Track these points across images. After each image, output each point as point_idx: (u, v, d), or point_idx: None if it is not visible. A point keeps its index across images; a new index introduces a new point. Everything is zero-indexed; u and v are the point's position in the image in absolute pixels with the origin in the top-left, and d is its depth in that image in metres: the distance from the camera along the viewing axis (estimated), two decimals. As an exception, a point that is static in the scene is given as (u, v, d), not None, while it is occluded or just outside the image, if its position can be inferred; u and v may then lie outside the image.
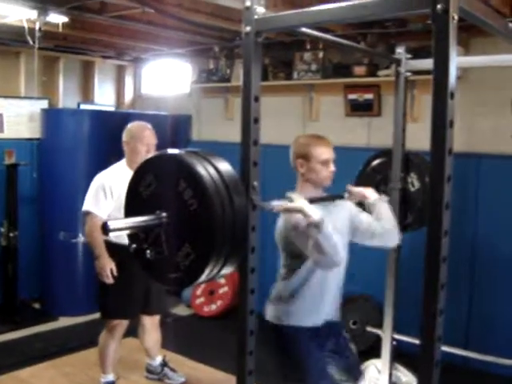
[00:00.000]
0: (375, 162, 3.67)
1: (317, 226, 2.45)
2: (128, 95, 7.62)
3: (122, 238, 3.80)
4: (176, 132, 6.52)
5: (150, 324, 4.15)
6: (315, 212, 2.46)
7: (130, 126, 3.96)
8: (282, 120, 5.79)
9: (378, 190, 3.20)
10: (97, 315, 5.64)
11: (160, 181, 1.92)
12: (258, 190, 2.00)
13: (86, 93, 7.21)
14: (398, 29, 4.87)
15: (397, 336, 3.50)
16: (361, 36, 5.10)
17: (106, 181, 3.81)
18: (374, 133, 5.43)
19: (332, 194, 2.96)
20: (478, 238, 4.73)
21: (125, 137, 3.92)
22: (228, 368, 4.37)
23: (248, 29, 1.97)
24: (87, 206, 3.83)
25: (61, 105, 6.79)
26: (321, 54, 5.59)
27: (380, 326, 3.66)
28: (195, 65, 6.88)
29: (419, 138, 3.97)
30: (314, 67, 5.58)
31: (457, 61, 1.65)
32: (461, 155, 2.91)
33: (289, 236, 2.75)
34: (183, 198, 1.82)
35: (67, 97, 6.93)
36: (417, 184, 3.40)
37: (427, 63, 3.43)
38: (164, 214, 1.88)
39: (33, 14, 4.46)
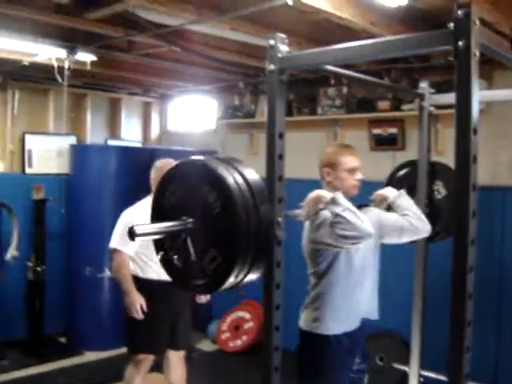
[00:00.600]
0: (400, 173, 3.67)
1: (334, 200, 2.59)
2: (154, 131, 7.72)
3: (149, 273, 3.85)
4: (201, 167, 6.59)
5: (176, 359, 4.13)
6: (329, 193, 2.64)
7: (157, 162, 4.01)
8: (306, 155, 5.79)
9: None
10: (122, 350, 5.67)
11: (184, 187, 1.94)
12: (283, 226, 2.01)
13: (113, 129, 7.32)
14: (422, 64, 4.89)
15: (424, 372, 3.45)
16: (384, 71, 5.13)
17: (133, 217, 3.83)
18: (398, 167, 5.42)
19: (359, 204, 2.93)
20: (504, 273, 4.67)
21: (153, 174, 3.96)
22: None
23: (272, 67, 2.01)
24: (114, 243, 3.87)
25: (88, 141, 6.90)
26: (345, 89, 5.62)
27: (406, 362, 3.62)
28: (221, 101, 6.96)
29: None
30: (338, 102, 5.61)
31: (479, 95, 1.67)
32: (485, 188, 2.91)
33: (317, 238, 2.77)
34: (208, 202, 1.84)
35: (95, 133, 7.04)
36: (443, 191, 3.39)
37: (450, 97, 3.44)
38: (190, 220, 1.90)
39: (62, 52, 4.56)
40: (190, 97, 7.34)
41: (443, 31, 1.69)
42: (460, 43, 1.63)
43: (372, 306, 3.02)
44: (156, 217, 2.04)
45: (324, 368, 2.85)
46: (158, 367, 4.27)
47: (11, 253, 5.48)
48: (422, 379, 3.46)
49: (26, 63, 5.06)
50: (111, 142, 7.04)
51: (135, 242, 3.76)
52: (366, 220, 2.61)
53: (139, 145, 7.43)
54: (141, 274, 3.88)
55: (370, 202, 3.06)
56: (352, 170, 2.93)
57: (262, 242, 1.84)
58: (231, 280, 1.83)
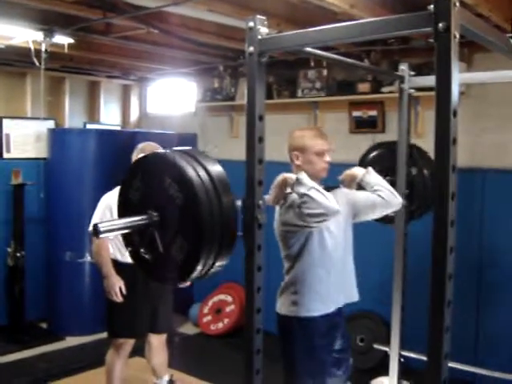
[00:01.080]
0: (372, 155, 3.72)
1: (299, 181, 2.69)
2: (134, 114, 7.67)
3: (128, 256, 3.83)
4: (181, 150, 6.55)
5: (157, 343, 4.14)
6: (293, 175, 2.75)
7: (140, 145, 3.96)
8: (286, 137, 5.81)
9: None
10: (103, 335, 5.66)
11: (148, 181, 1.98)
12: (264, 208, 2.01)
13: (92, 113, 7.26)
14: (401, 46, 4.89)
15: (404, 353, 3.49)
16: (364, 53, 5.13)
17: (112, 201, 3.81)
18: (378, 149, 5.44)
19: (328, 185, 2.99)
20: (483, 254, 4.72)
21: (135, 156, 3.90)
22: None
23: (251, 49, 1.99)
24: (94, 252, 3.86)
25: (67, 125, 6.84)
26: (325, 72, 5.62)
27: (387, 342, 3.65)
28: (200, 84, 6.93)
29: (424, 153, 3.99)
30: (318, 85, 5.61)
31: (459, 77, 1.67)
32: (465, 170, 2.92)
33: (287, 219, 2.86)
34: (171, 194, 1.86)
35: (73, 117, 6.98)
36: (414, 171, 3.50)
37: (430, 80, 3.43)
38: (155, 213, 1.92)
39: (39, 35, 4.50)
40: (170, 80, 7.29)
41: (423, 13, 1.69)
42: (440, 25, 1.62)
43: (350, 287, 3.09)
44: (123, 211, 2.06)
45: (305, 350, 2.89)
46: (139, 351, 4.27)
47: (-10, 238, 5.44)
48: (402, 359, 3.49)
49: (2, 46, 4.99)
50: (90, 126, 6.98)
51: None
52: (331, 197, 2.70)
53: (118, 128, 7.37)
54: (120, 258, 3.87)
55: (339, 184, 3.13)
56: (321, 153, 2.98)
57: (227, 229, 1.87)
58: (199, 268, 1.86)
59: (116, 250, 3.88)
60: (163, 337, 4.17)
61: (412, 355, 3.49)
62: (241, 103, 6.16)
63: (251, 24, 2.00)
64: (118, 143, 5.77)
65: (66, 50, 4.98)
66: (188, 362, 4.86)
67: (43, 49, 4.79)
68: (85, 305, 5.86)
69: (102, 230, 1.85)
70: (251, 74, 1.99)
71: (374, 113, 5.37)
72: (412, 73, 3.46)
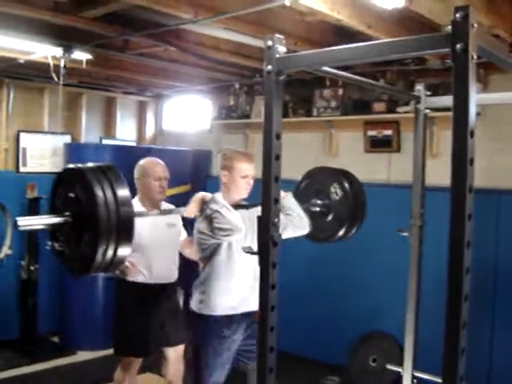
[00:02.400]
0: (305, 181, 3.82)
1: (213, 200, 3.22)
2: (149, 131, 7.72)
3: (137, 276, 3.82)
4: (196, 167, 6.55)
5: (174, 356, 4.03)
6: (208, 194, 3.27)
7: (141, 162, 3.95)
8: (301, 156, 5.82)
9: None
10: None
11: (67, 188, 2.31)
12: (279, 227, 2.01)
13: (108, 128, 7.31)
14: (417, 66, 4.90)
15: (418, 374, 3.45)
16: (380, 73, 5.15)
17: None
18: (393, 169, 5.44)
19: (251, 203, 3.42)
20: (498, 274, 4.68)
21: (136, 173, 3.90)
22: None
23: (269, 68, 2.00)
24: None
25: (83, 140, 6.89)
26: (340, 91, 5.63)
27: (400, 364, 3.61)
28: (215, 101, 6.96)
29: (439, 173, 3.98)
30: (333, 104, 5.63)
31: (476, 98, 1.67)
32: (481, 191, 2.91)
33: (201, 228, 3.29)
34: (81, 201, 2.23)
35: (89, 132, 7.03)
36: (339, 193, 3.55)
37: (446, 100, 3.45)
38: (68, 214, 2.26)
39: (58, 51, 4.55)
40: (185, 97, 7.34)
41: (441, 34, 1.69)
42: (458, 46, 1.62)
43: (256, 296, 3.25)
44: (51, 210, 2.38)
45: (207, 341, 3.33)
46: (150, 367, 4.25)
47: (4, 251, 5.47)
48: (415, 380, 3.45)
49: (21, 61, 5.05)
50: (106, 142, 7.03)
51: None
52: (237, 216, 3.20)
53: (134, 144, 7.41)
54: (129, 278, 3.84)
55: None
56: (245, 177, 3.38)
57: (122, 234, 2.22)
58: (99, 260, 2.19)
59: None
60: (180, 349, 4.08)
61: (425, 377, 3.44)
62: (256, 121, 6.18)
63: (269, 43, 2.01)
64: (133, 159, 5.74)
65: (84, 66, 5.03)
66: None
67: (62, 64, 4.84)
68: (96, 320, 5.86)
69: (21, 224, 2.20)
70: (269, 92, 2.00)
71: (389, 132, 5.37)
72: (428, 93, 3.45)
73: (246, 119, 6.38)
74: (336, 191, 3.52)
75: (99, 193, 2.18)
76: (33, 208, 5.74)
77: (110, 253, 2.20)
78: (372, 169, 5.57)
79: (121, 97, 7.34)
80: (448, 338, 1.69)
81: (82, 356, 5.73)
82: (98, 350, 5.77)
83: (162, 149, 6.52)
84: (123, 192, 2.25)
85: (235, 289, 3.36)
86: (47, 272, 5.91)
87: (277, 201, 2.00)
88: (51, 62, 4.82)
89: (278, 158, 2.00)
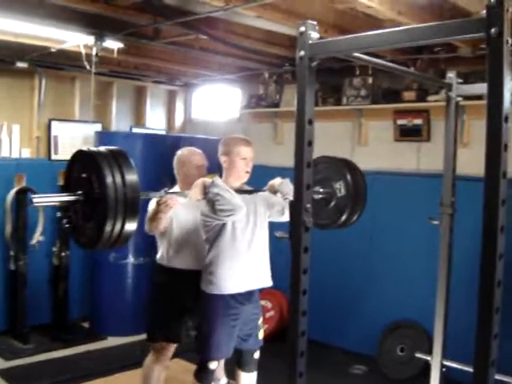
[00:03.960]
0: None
1: (214, 184, 3.31)
2: (178, 119, 7.77)
3: (175, 261, 3.86)
4: (225, 156, 6.59)
5: None
6: (208, 179, 3.38)
7: (179, 152, 3.98)
8: (331, 145, 5.80)
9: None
10: (143, 336, 5.75)
11: (81, 169, 2.41)
12: (311, 212, 2.02)
13: (138, 117, 7.37)
14: (448, 54, 4.86)
15: (447, 362, 3.44)
16: (410, 61, 5.11)
17: None
18: (423, 158, 5.41)
19: (253, 189, 3.64)
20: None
21: (175, 164, 3.94)
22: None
23: (302, 53, 2.01)
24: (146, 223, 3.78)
25: (113, 128, 6.96)
26: (370, 80, 5.61)
27: (428, 352, 3.61)
28: (245, 90, 6.98)
29: (469, 163, 3.96)
30: (363, 92, 5.61)
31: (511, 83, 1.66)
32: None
33: (205, 212, 3.42)
34: (92, 183, 2.32)
35: (120, 120, 7.10)
36: (343, 191, 3.52)
37: (478, 88, 3.43)
38: (80, 193, 2.36)
39: (90, 40, 4.61)
40: (215, 86, 7.36)
41: (475, 19, 1.69)
42: (492, 30, 1.62)
43: (259, 274, 3.64)
44: (65, 188, 2.48)
45: (215, 319, 3.52)
46: (180, 353, 4.26)
47: (36, 238, 5.56)
48: (444, 369, 3.44)
49: (53, 50, 5.11)
50: (136, 130, 7.09)
51: (171, 226, 3.78)
52: (238, 197, 3.33)
53: (164, 133, 7.46)
54: (166, 263, 3.88)
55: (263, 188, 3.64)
56: (244, 158, 3.54)
57: (128, 213, 2.31)
58: (107, 234, 2.30)
59: (164, 254, 3.89)
60: None
61: (454, 365, 3.44)
62: (285, 110, 6.19)
63: (302, 29, 2.02)
64: (162, 147, 5.85)
65: (115, 55, 5.08)
66: (227, 369, 4.87)
67: (94, 53, 4.89)
68: (127, 306, 5.93)
69: (35, 201, 2.34)
70: (301, 77, 2.01)
71: (419, 121, 5.34)
72: (460, 80, 3.42)
73: (275, 108, 6.38)
74: (339, 184, 3.54)
75: (108, 174, 2.28)
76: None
77: (116, 229, 2.32)
78: (401, 158, 5.55)
79: (151, 86, 7.39)
80: (480, 323, 1.70)
81: (112, 341, 5.81)
82: (127, 336, 5.85)
83: (192, 137, 6.55)
84: (131, 174, 2.35)
85: (240, 268, 3.54)
86: (78, 258, 6.00)
87: (309, 186, 2.01)
88: (83, 51, 4.87)
89: (310, 143, 2.01)
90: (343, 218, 3.54)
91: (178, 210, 3.69)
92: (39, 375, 4.86)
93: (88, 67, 5.07)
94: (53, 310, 5.95)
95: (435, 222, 3.38)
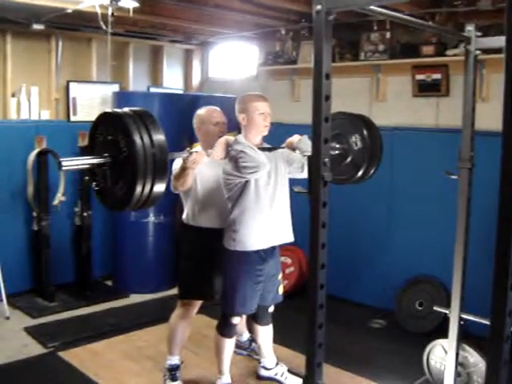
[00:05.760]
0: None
1: (237, 141, 3.43)
2: (196, 78, 7.74)
3: (201, 220, 3.90)
4: (243, 114, 6.58)
5: None
6: (231, 137, 3.46)
7: (198, 111, 3.99)
8: (348, 101, 5.77)
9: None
10: (166, 293, 5.88)
11: (107, 131, 2.41)
12: (329, 166, 2.04)
13: (155, 77, 7.37)
14: (467, 8, 4.79)
15: (465, 316, 3.48)
16: (429, 15, 5.04)
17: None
18: (442, 113, 5.37)
19: (272, 146, 3.68)
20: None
21: (196, 123, 3.94)
22: (294, 345, 4.45)
23: (319, 7, 2.00)
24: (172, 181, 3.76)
25: (131, 88, 6.96)
26: (388, 35, 5.54)
27: (446, 307, 3.65)
28: (262, 47, 6.93)
29: (488, 118, 3.94)
30: (381, 48, 5.55)
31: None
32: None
33: (227, 169, 3.47)
34: (120, 145, 2.33)
35: (137, 81, 7.10)
36: (359, 144, 3.54)
37: (497, 40, 3.38)
38: (107, 155, 2.38)
39: (105, -1, 4.60)
40: (231, 44, 7.32)
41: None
42: (511, -20, 1.60)
43: (282, 230, 3.72)
44: (90, 150, 2.51)
45: (239, 275, 3.62)
46: (203, 308, 4.32)
47: (58, 198, 5.63)
48: (462, 322, 3.49)
49: (69, 11, 5.10)
50: (153, 90, 7.09)
51: (195, 185, 3.81)
52: (261, 154, 3.38)
53: (181, 92, 7.46)
54: (192, 222, 3.93)
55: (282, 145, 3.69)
56: (262, 113, 3.56)
57: (158, 173, 2.33)
58: (137, 194, 2.31)
59: (190, 213, 3.93)
60: None
61: (472, 318, 3.48)
62: (303, 66, 6.15)
63: (318, -18, 2.00)
64: (180, 106, 5.87)
65: (130, 14, 5.06)
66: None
67: (109, 13, 4.88)
68: (148, 264, 6.04)
69: (64, 165, 2.38)
70: (318, 32, 2.01)
71: (437, 76, 5.28)
72: (479, 34, 3.38)
73: (292, 65, 6.34)
74: (355, 137, 3.55)
75: (136, 135, 2.27)
76: (84, 156, 5.86)
77: (146, 190, 2.33)
78: (420, 113, 5.52)
79: (167, 45, 7.36)
80: (497, 274, 1.72)
81: (135, 299, 5.92)
82: (149, 293, 5.98)
83: (209, 96, 6.54)
84: (158, 134, 2.35)
85: (264, 224, 3.60)
86: (100, 218, 6.09)
87: (327, 141, 2.03)
88: (99, 11, 4.86)
89: (327, 98, 2.02)
90: (360, 172, 3.56)
91: (202, 169, 3.71)
92: (64, 332, 4.98)
93: (104, 27, 5.05)
94: (76, 269, 6.09)
95: (454, 177, 3.39)
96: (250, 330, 4.24)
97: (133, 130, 2.27)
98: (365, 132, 3.54)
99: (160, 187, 2.38)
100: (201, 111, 3.98)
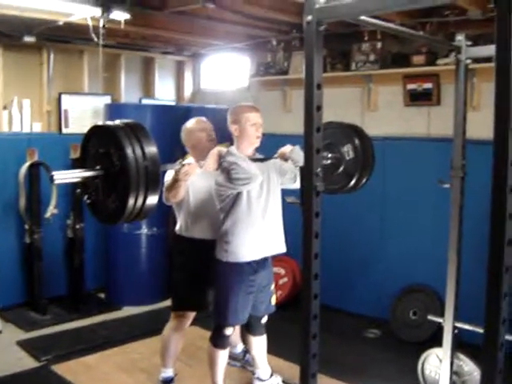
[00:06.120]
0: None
1: (229, 153, 3.39)
2: (187, 90, 7.75)
3: (194, 231, 3.90)
4: (235, 125, 6.58)
5: None
6: (223, 148, 3.44)
7: (185, 124, 4.00)
8: (340, 111, 5.79)
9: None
10: (159, 305, 5.85)
11: (99, 144, 2.41)
12: (322, 176, 2.04)
13: (147, 88, 7.37)
14: (457, 17, 4.81)
15: (459, 324, 3.48)
16: (420, 25, 5.06)
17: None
18: (433, 122, 5.39)
19: (265, 156, 3.66)
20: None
21: (184, 136, 3.96)
22: (288, 356, 4.43)
23: (309, 18, 2.01)
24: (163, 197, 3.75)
25: (123, 100, 6.96)
26: (379, 45, 5.56)
27: (440, 316, 3.65)
28: (253, 58, 6.95)
29: (479, 126, 3.96)
30: (372, 58, 5.57)
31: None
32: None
33: (220, 181, 3.46)
34: (112, 159, 2.32)
35: (129, 92, 7.10)
36: (351, 154, 3.57)
37: (488, 49, 3.40)
38: (98, 168, 2.38)
39: (97, 11, 4.60)
40: (223, 55, 7.33)
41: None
42: (500, -10, 1.61)
43: (274, 241, 3.72)
44: (82, 163, 2.50)
45: (231, 286, 3.60)
46: (197, 320, 4.30)
47: (50, 211, 5.61)
48: (456, 331, 3.49)
49: (61, 23, 5.10)
50: (145, 102, 7.10)
51: (188, 196, 3.80)
52: (253, 166, 3.39)
53: (173, 104, 7.46)
54: (184, 233, 3.92)
55: (273, 155, 3.69)
56: (254, 124, 3.55)
57: (151, 185, 2.32)
58: (129, 207, 2.30)
59: (183, 224, 3.93)
60: None
61: (467, 327, 3.48)
62: (294, 77, 6.16)
63: (309, -7, 2.01)
64: (172, 118, 5.86)
65: (122, 26, 5.07)
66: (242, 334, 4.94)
67: (101, 24, 4.89)
68: (141, 276, 6.01)
69: (56, 178, 2.35)
70: (309, 42, 2.01)
71: (429, 85, 5.30)
72: (469, 43, 3.40)
73: (283, 75, 6.35)
74: (347, 149, 3.58)
75: (128, 147, 2.27)
76: (76, 168, 5.85)
77: (139, 203, 2.33)
78: (411, 123, 5.54)
79: (159, 57, 7.37)
80: (490, 282, 1.72)
81: (128, 311, 5.89)
82: (142, 306, 5.95)
83: (201, 107, 6.55)
84: (150, 147, 2.35)
85: (255, 236, 3.59)
86: (92, 230, 6.06)
87: (319, 151, 2.03)
88: (90, 23, 4.86)
89: (319, 108, 2.02)
90: (352, 182, 3.58)
91: (194, 181, 3.71)
92: (57, 345, 4.94)
93: (95, 39, 5.06)
94: (69, 282, 6.05)
95: (446, 186, 3.40)
96: (244, 340, 4.22)
97: (125, 143, 2.27)
98: (356, 141, 3.55)
99: (153, 199, 2.37)
100: (188, 123, 4.00)
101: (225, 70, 7.49)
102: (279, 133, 6.13)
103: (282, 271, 5.98)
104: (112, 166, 2.33)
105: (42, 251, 5.67)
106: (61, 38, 6.18)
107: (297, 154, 3.51)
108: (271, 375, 4.14)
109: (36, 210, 5.63)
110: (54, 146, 5.94)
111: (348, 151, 3.54)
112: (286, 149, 3.63)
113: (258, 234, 3.61)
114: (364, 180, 3.63)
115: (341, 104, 5.84)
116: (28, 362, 4.60)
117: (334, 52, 5.88)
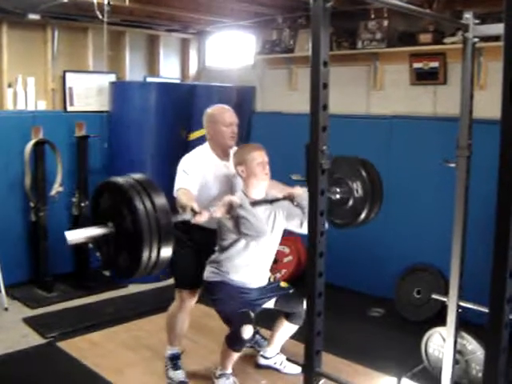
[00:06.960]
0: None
1: (242, 206, 3.34)
2: (192, 68, 7.71)
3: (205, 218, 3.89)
4: (240, 103, 6.50)
5: None
6: (237, 200, 3.36)
7: (209, 109, 3.94)
8: (346, 90, 5.78)
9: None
10: (163, 283, 5.85)
11: (110, 201, 2.47)
12: (328, 154, 2.04)
13: (152, 66, 7.33)
14: (465, -6, 4.77)
15: (463, 303, 3.48)
16: (427, 3, 5.01)
17: (190, 163, 3.78)
18: (439, 101, 5.36)
19: (272, 198, 3.68)
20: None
21: (206, 121, 3.91)
22: (293, 334, 4.45)
23: (317, -5, 1.99)
24: (177, 184, 3.71)
25: (127, 78, 6.93)
26: (385, 23, 5.52)
27: (444, 295, 3.66)
28: (259, 36, 6.89)
29: (485, 106, 3.94)
30: (378, 36, 5.53)
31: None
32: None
33: (228, 225, 3.52)
34: (125, 220, 2.36)
35: (133, 71, 7.06)
36: (360, 192, 3.49)
37: (496, 28, 3.37)
38: (111, 224, 2.41)
39: (101, -13, 4.57)
40: (228, 33, 7.28)
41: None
42: (510, -34, 1.60)
43: (261, 276, 3.83)
44: (93, 218, 2.56)
45: (224, 304, 3.69)
46: (201, 299, 4.33)
47: (56, 189, 5.63)
48: (460, 310, 3.49)
49: (65, 0, 5.07)
50: (150, 80, 7.07)
51: (196, 184, 3.77)
52: (263, 221, 3.50)
53: (178, 82, 7.43)
54: (192, 220, 3.90)
55: (280, 196, 3.71)
56: (260, 163, 3.58)
57: (163, 239, 2.36)
58: (144, 262, 2.33)
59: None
60: None
61: (471, 306, 3.48)
62: (300, 55, 6.13)
63: (316, -31, 1.99)
64: (177, 96, 5.86)
65: (127, 3, 5.03)
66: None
67: (106, 1, 4.85)
68: (146, 254, 6.02)
69: (70, 239, 2.40)
70: (316, 19, 1.99)
71: (435, 64, 5.27)
72: (477, 21, 3.37)
73: (289, 53, 6.31)
74: (356, 187, 3.51)
75: (139, 205, 2.31)
76: (81, 146, 5.87)
77: (153, 257, 2.36)
78: (417, 102, 5.51)
79: (164, 35, 7.32)
80: (496, 261, 1.72)
81: (133, 289, 5.94)
82: (147, 283, 5.98)
83: (206, 85, 6.54)
84: (160, 200, 2.39)
85: (249, 272, 3.71)
86: (97, 208, 6.07)
87: (325, 129, 2.02)
88: (95, 0, 4.83)
89: (325, 86, 2.01)
90: (362, 216, 3.55)
91: (207, 178, 3.76)
92: (63, 322, 4.99)
93: (100, 17, 5.03)
94: (75, 259, 6.08)
95: (451, 165, 3.38)
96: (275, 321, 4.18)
97: (135, 199, 2.32)
98: (365, 177, 3.49)
99: (167, 251, 2.40)
100: (212, 110, 3.93)
101: (230, 48, 7.44)
102: (285, 111, 6.12)
103: (287, 250, 6.00)
104: (123, 221, 2.37)
105: (47, 229, 5.70)
106: (65, 16, 6.13)
107: (306, 200, 3.34)
108: (276, 354, 4.17)
109: (41, 188, 5.65)
110: (59, 123, 5.96)
111: (357, 189, 3.50)
112: (296, 191, 3.66)
113: (251, 270, 3.73)
114: (373, 214, 3.62)
115: (347, 83, 5.82)
116: (34, 339, 4.65)
117: (340, 30, 5.83)
